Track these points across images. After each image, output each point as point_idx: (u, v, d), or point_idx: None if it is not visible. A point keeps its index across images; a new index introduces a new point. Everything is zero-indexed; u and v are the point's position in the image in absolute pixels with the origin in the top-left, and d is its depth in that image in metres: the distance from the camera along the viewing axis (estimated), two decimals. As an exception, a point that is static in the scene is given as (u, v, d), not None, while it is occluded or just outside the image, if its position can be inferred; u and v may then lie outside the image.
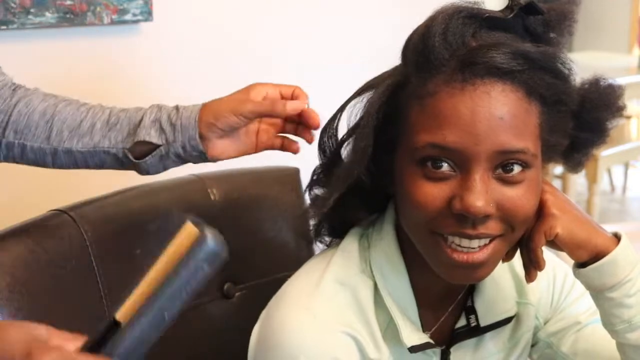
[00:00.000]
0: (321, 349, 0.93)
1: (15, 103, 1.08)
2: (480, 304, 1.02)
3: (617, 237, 0.95)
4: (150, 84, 1.60)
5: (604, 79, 0.97)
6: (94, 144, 1.08)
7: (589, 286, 0.96)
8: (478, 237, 0.89)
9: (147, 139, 1.07)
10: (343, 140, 1.00)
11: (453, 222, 0.88)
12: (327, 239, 1.06)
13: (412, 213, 0.91)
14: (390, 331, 0.97)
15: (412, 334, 0.96)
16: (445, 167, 0.88)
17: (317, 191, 1.03)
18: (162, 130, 1.07)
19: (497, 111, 0.86)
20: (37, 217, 1.12)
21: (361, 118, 0.96)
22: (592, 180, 3.82)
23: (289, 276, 1.02)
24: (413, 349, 0.96)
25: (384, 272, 0.97)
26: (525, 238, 0.93)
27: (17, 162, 1.11)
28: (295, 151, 1.14)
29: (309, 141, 1.11)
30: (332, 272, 0.97)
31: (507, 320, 1.04)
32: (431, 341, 0.98)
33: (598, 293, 0.95)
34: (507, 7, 0.92)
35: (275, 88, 1.10)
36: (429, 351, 0.99)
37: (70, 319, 1.09)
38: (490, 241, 0.90)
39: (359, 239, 1.01)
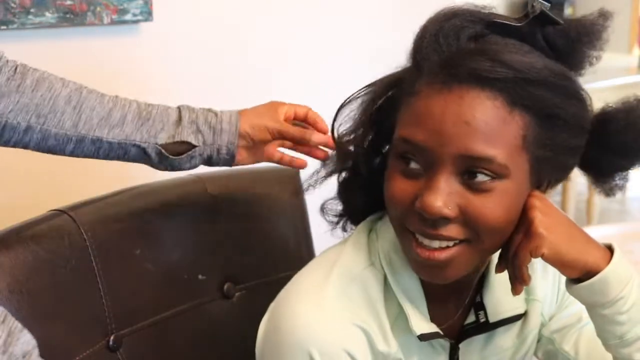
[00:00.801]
0: (332, 340, 0.93)
1: (34, 86, 1.06)
2: (489, 301, 1.02)
3: (611, 251, 0.93)
4: (150, 84, 1.60)
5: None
6: (126, 136, 1.09)
7: (581, 302, 0.95)
8: (437, 237, 0.89)
9: (188, 139, 1.11)
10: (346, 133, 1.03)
11: (417, 220, 0.90)
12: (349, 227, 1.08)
13: (388, 207, 0.94)
14: (399, 323, 0.97)
15: (422, 323, 0.97)
16: (413, 164, 0.90)
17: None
18: (199, 131, 1.12)
19: (465, 116, 0.86)
20: (37, 217, 1.12)
21: (361, 110, 1.00)
22: (593, 180, 3.81)
23: (289, 276, 1.02)
24: (423, 337, 0.97)
25: (393, 263, 0.98)
26: (511, 254, 0.92)
27: (28, 148, 1.08)
28: (299, 166, 1.22)
29: (322, 157, 1.19)
30: (342, 266, 0.98)
31: (517, 318, 1.04)
32: (440, 331, 0.98)
33: (590, 308, 0.94)
34: (523, 15, 0.92)
35: (292, 108, 1.18)
36: (437, 346, 1.00)
37: (70, 319, 1.09)
38: (455, 245, 0.90)
39: (369, 232, 1.02)
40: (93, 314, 1.12)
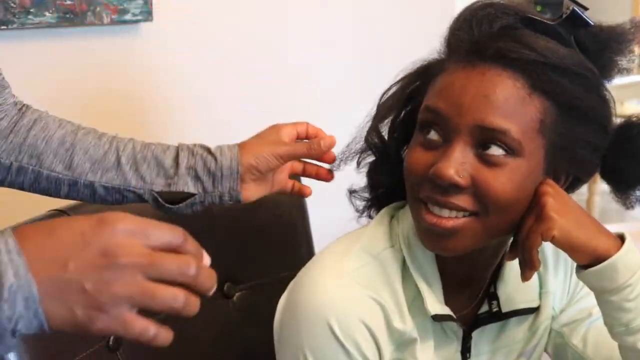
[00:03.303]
0: (349, 309, 0.95)
1: (30, 126, 1.03)
2: (502, 291, 1.05)
3: (623, 240, 0.95)
4: (150, 85, 1.60)
5: None
6: (120, 182, 1.04)
7: (590, 287, 0.97)
8: (447, 205, 0.92)
9: (185, 189, 1.05)
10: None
11: (429, 187, 0.93)
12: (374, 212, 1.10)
13: (405, 177, 0.97)
14: (415, 305, 1.00)
15: (436, 304, 0.99)
16: (433, 135, 0.93)
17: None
18: (198, 179, 1.05)
19: (485, 90, 0.91)
20: (37, 217, 1.12)
21: (393, 96, 1.05)
22: (592, 180, 3.81)
23: (289, 276, 1.03)
24: (436, 318, 0.99)
25: (411, 246, 1.00)
26: (522, 238, 0.94)
27: (24, 189, 1.05)
28: (307, 194, 1.18)
29: (327, 178, 1.15)
30: (362, 245, 1.01)
31: (530, 311, 1.06)
32: (453, 315, 1.00)
33: (599, 295, 0.96)
34: (558, 17, 0.95)
35: (293, 128, 1.11)
36: (450, 332, 1.02)
37: (70, 319, 1.09)
38: (463, 217, 0.93)
39: (391, 218, 1.05)
40: (93, 314, 1.12)
